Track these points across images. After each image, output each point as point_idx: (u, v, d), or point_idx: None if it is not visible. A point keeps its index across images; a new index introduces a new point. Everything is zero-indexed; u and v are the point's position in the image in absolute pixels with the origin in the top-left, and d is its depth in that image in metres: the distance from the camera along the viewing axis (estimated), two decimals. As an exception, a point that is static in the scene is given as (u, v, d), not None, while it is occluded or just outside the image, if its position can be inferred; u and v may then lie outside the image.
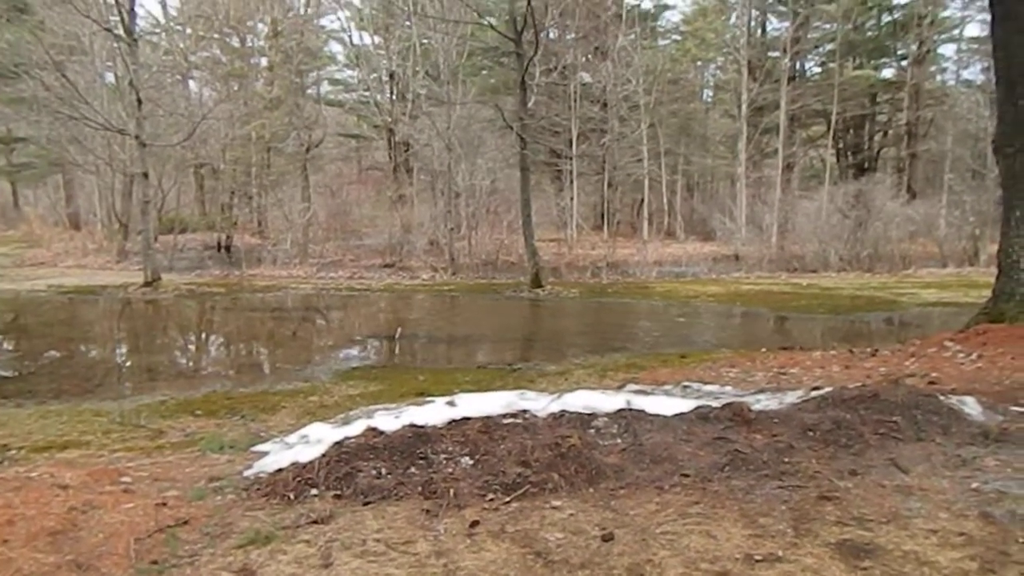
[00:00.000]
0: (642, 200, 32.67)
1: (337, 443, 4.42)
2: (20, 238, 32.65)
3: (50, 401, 7.44)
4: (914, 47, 32.55)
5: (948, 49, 37.91)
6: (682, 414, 4.96)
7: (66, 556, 3.16)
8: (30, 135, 30.74)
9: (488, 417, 4.82)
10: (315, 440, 4.88)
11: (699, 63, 39.59)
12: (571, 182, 30.29)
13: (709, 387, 6.61)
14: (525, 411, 5.08)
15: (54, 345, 11.05)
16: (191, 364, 10.55)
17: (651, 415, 4.90)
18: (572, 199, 29.87)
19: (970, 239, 23.89)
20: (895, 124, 35.94)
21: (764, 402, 5.46)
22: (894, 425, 4.62)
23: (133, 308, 15.66)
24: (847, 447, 4.39)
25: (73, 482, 4.17)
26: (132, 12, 18.07)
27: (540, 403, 5.45)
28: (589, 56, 33.36)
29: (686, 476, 4.05)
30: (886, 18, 34.64)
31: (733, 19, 36.18)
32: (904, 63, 33.99)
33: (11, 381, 8.65)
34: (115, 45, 20.74)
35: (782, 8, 33.15)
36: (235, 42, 33.32)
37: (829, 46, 34.17)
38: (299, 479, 4.06)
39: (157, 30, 29.50)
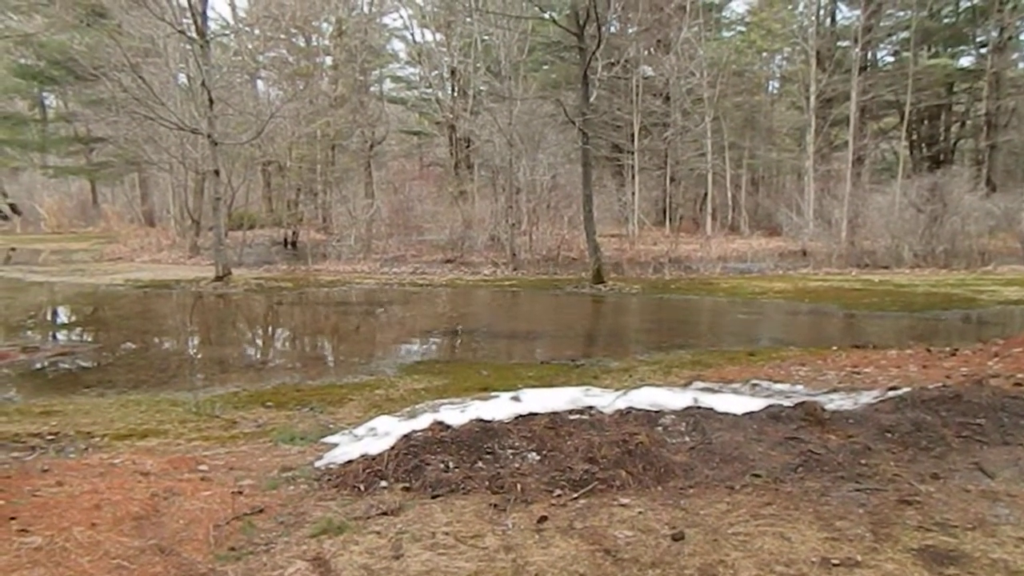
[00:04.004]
0: (705, 195, 32.10)
1: (405, 436, 4.48)
2: (99, 234, 34.17)
3: (130, 391, 7.74)
4: (994, 34, 31.04)
5: (1031, 35, 35.98)
6: (752, 413, 4.86)
7: (149, 540, 3.28)
8: (108, 135, 31.98)
9: (554, 413, 4.81)
10: (383, 433, 4.96)
11: (765, 54, 38.59)
12: (633, 177, 30.00)
13: (779, 385, 6.46)
14: (591, 407, 5.06)
15: (131, 337, 11.50)
16: (260, 357, 10.83)
17: (720, 413, 4.82)
18: (634, 194, 29.56)
19: (1055, 234, 22.73)
20: (973, 114, 34.41)
21: (838, 402, 5.31)
22: (978, 428, 4.44)
23: (205, 302, 16.17)
24: (928, 450, 4.23)
25: (154, 469, 4.33)
26: (204, 15, 18.67)
27: (605, 400, 5.41)
28: (652, 49, 32.96)
29: (757, 476, 3.97)
30: (964, 4, 33.17)
31: (801, 8, 35.20)
32: (984, 51, 32.45)
33: (93, 371, 9.04)
34: (188, 47, 21.42)
35: (853, -5, 32.10)
36: (301, 42, 34.07)
37: (903, 34, 32.89)
38: (369, 471, 4.13)
39: (227, 32, 30.40)
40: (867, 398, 5.36)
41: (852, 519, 3.42)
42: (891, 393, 5.28)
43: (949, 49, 33.93)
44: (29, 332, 12.40)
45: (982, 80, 31.44)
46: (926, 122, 35.46)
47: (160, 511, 3.63)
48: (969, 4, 32.84)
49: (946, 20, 33.83)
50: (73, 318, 14.69)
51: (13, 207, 40.46)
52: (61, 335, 12.41)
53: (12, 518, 3.44)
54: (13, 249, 29.65)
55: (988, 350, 8.16)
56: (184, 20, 19.30)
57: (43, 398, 7.34)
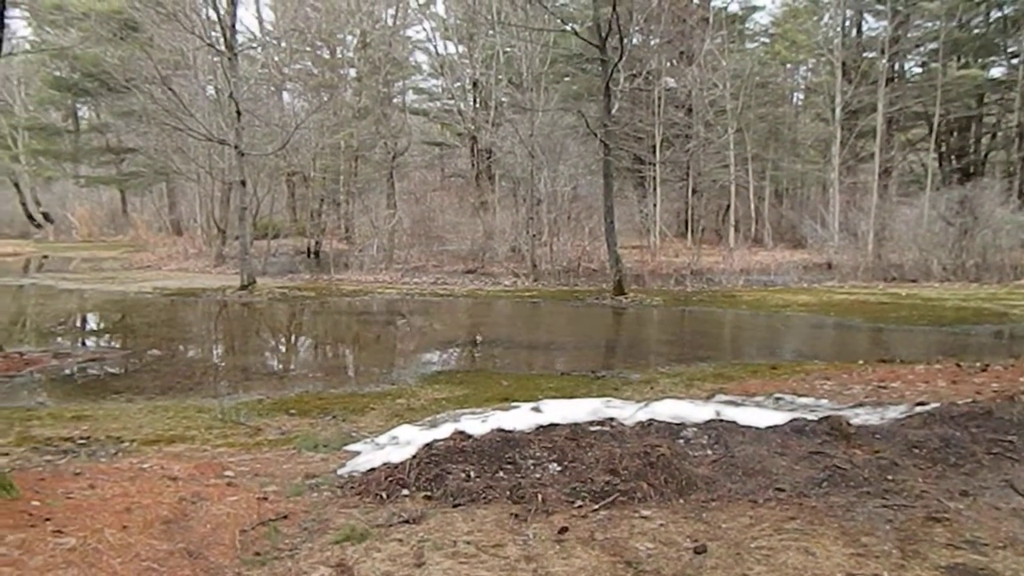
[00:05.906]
0: (728, 206, 31.95)
1: (426, 445, 4.50)
2: (128, 243, 34.73)
3: (157, 397, 7.85)
4: (1026, 44, 30.69)
5: (1064, 46, 35.40)
6: (776, 426, 4.83)
7: (178, 544, 3.33)
8: (139, 146, 32.62)
9: (575, 424, 4.81)
10: (404, 442, 4.99)
11: (789, 66, 38.42)
12: (654, 188, 29.90)
13: (803, 399, 6.40)
14: (612, 419, 5.05)
15: (159, 344, 11.66)
16: (284, 365, 10.93)
17: (742, 426, 4.79)
18: (655, 206, 29.47)
19: (1089, 248, 22.29)
20: (1005, 126, 33.88)
21: (864, 416, 5.25)
22: (1009, 444, 4.37)
23: (230, 310, 16.36)
24: (957, 466, 4.17)
25: (181, 474, 4.39)
26: (233, 28, 18.96)
27: (627, 411, 5.40)
28: (674, 61, 32.91)
29: (781, 490, 3.93)
30: (995, 14, 32.75)
31: (826, 19, 34.97)
32: (1015, 61, 32.02)
33: (121, 377, 9.19)
34: (216, 60, 21.78)
35: (880, 7, 31.71)
36: (326, 54, 34.50)
37: (931, 45, 32.52)
38: (391, 479, 4.15)
39: (254, 44, 30.78)
40: (894, 413, 5.30)
41: (879, 535, 3.38)
42: (919, 408, 5.21)
43: (979, 60, 33.47)
44: (60, 338, 12.61)
45: (1014, 91, 30.96)
46: (956, 134, 34.99)
47: (188, 515, 3.68)
48: (1000, 14, 32.40)
49: (976, 31, 33.39)
50: (102, 325, 14.92)
51: (46, 215, 41.29)
52: (91, 341, 12.62)
53: (47, 519, 3.50)
54: (45, 257, 30.25)
55: (1020, 366, 8.04)
56: (213, 33, 19.63)
57: (74, 403, 7.47)
